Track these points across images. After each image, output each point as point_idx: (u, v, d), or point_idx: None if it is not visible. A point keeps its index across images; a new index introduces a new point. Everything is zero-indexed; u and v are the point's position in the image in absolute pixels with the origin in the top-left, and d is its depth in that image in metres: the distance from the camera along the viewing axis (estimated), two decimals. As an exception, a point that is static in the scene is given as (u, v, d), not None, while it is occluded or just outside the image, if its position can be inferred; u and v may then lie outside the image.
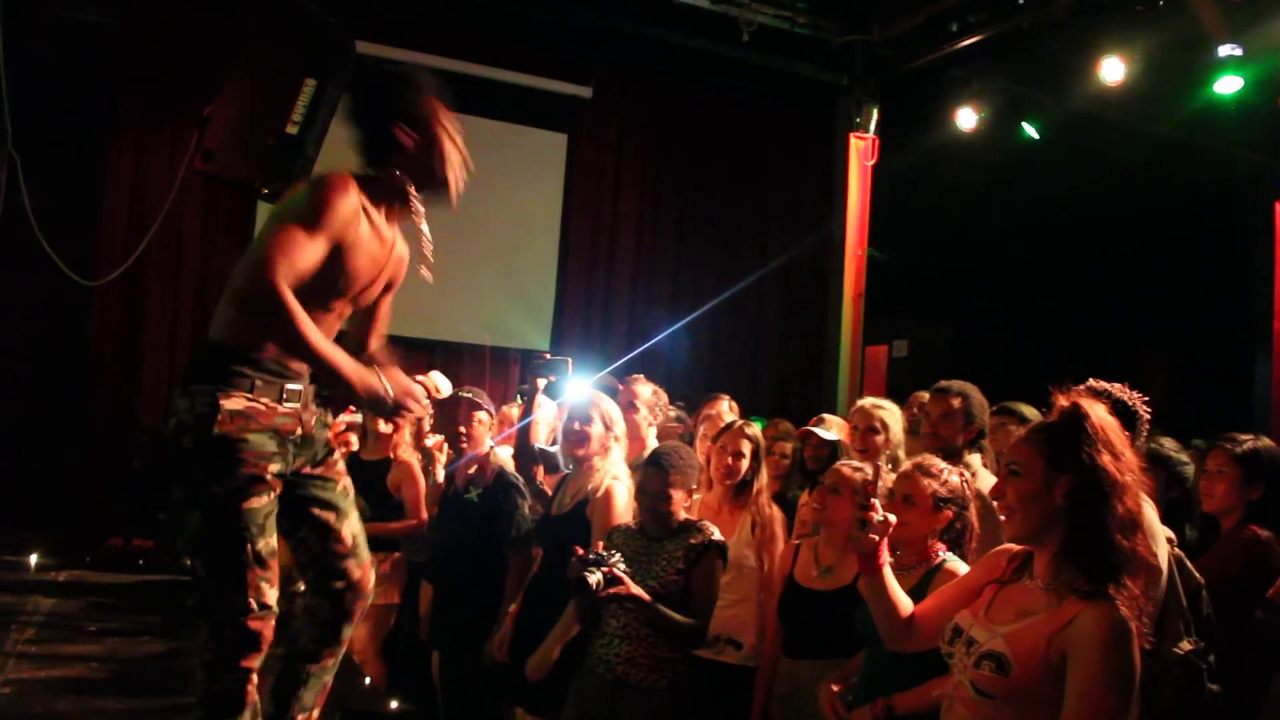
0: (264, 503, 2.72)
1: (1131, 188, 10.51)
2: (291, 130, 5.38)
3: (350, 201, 2.73)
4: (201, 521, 2.69)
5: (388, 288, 3.06)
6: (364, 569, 3.00)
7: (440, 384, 5.22)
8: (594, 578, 3.28)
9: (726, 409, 5.36)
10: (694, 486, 3.64)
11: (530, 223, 10.50)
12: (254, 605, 2.71)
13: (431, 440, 5.41)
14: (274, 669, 2.98)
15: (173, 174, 8.25)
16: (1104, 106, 8.92)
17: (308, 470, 2.91)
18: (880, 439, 4.28)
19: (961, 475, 3.19)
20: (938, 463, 3.24)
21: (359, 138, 2.90)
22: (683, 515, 3.60)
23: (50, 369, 8.97)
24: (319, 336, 2.64)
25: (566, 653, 3.62)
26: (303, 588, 3.20)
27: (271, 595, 2.77)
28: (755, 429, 4.33)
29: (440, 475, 4.79)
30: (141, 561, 8.56)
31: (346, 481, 3.03)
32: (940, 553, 3.08)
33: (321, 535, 2.94)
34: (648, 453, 4.62)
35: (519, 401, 4.79)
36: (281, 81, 5.42)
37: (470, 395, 4.41)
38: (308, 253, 2.63)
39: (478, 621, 4.06)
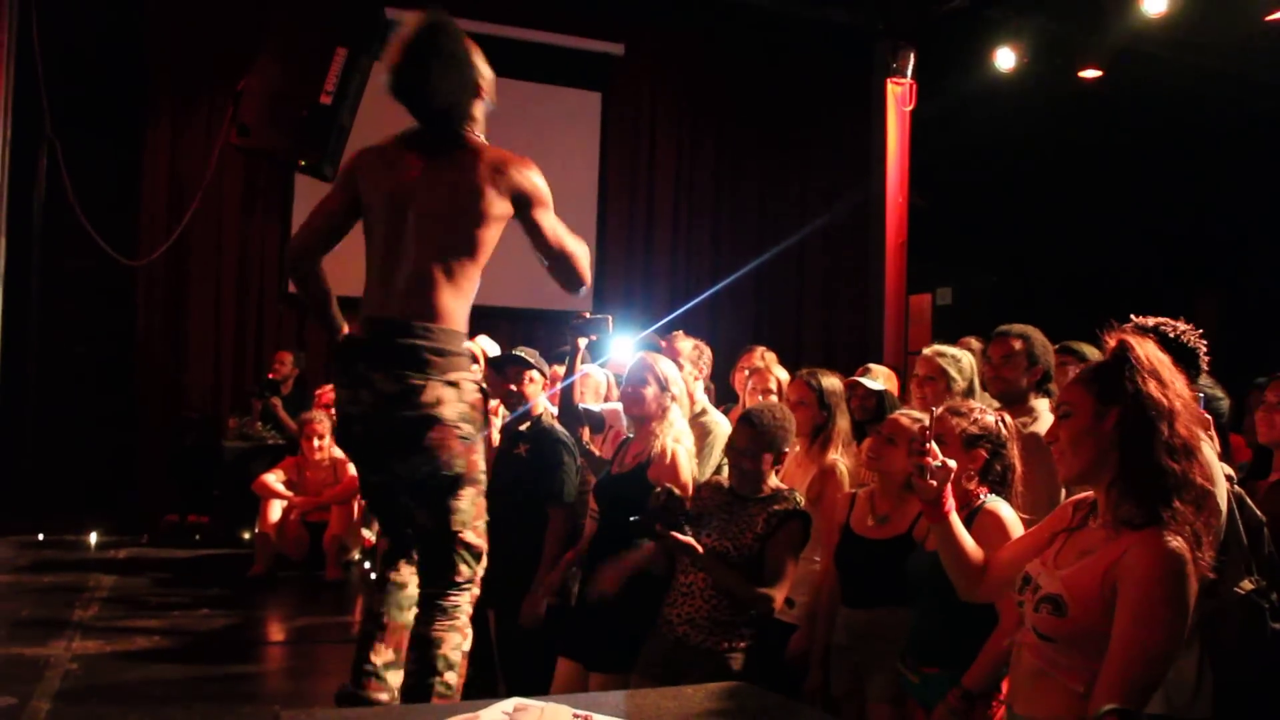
0: None
1: (1179, 122, 10.27)
2: (325, 100, 5.37)
3: None
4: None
5: None
6: None
7: (487, 347, 5.21)
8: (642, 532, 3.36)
9: (759, 358, 5.31)
10: (785, 450, 3.59)
11: (567, 182, 10.38)
12: None
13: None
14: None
15: (210, 151, 8.32)
16: (1147, 40, 8.70)
17: None
18: (940, 388, 4.16)
19: (999, 416, 3.13)
20: (970, 403, 3.20)
21: (457, 101, 3.09)
22: (774, 480, 3.56)
23: (100, 350, 9.11)
24: None
25: (639, 611, 3.63)
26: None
27: None
28: (824, 377, 4.28)
29: (496, 437, 4.80)
30: (198, 536, 8.71)
31: None
32: (982, 495, 3.04)
33: None
34: (697, 407, 4.61)
35: (563, 362, 4.77)
36: (313, 52, 5.40)
37: (521, 355, 4.39)
38: None
39: (532, 578, 4.08)
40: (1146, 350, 2.13)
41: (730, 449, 3.60)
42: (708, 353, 4.97)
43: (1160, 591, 1.98)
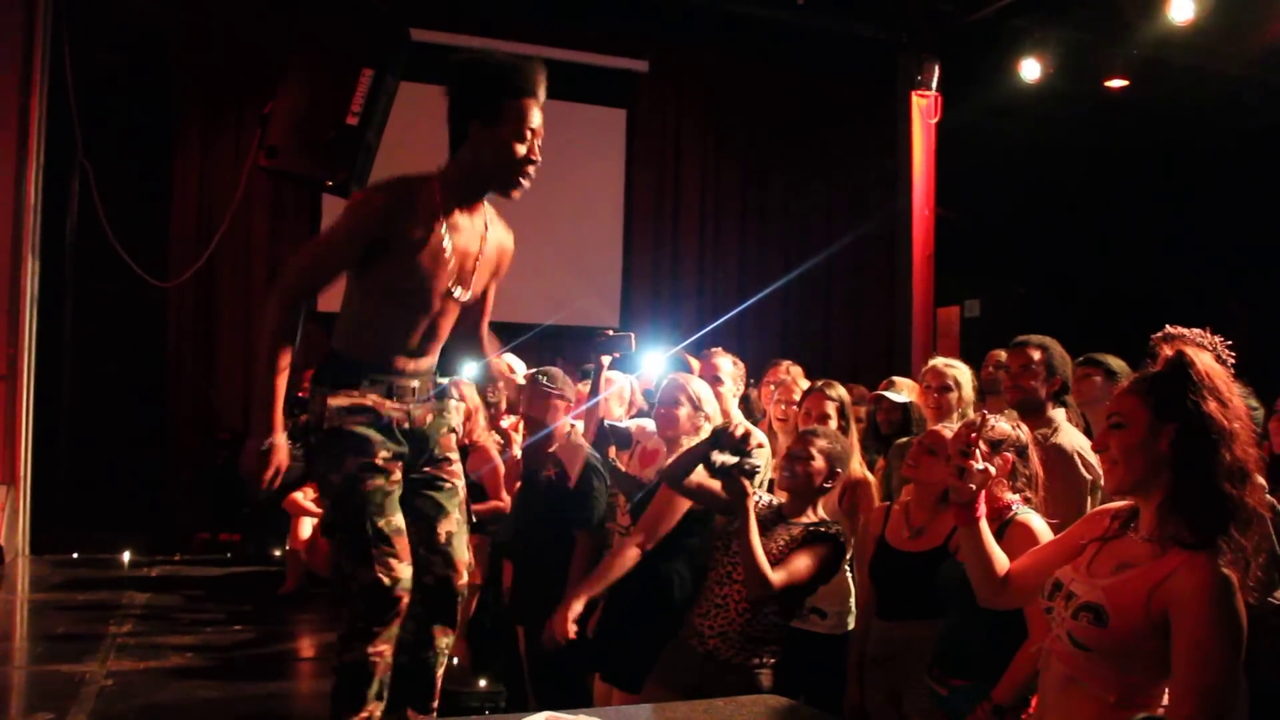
0: (380, 484, 2.90)
1: (1206, 130, 10.20)
2: (352, 121, 5.42)
3: (382, 207, 2.85)
4: (330, 506, 3.00)
5: (493, 275, 3.15)
6: (454, 567, 3.09)
7: (515, 365, 5.24)
8: (720, 457, 3.17)
9: (784, 372, 5.31)
10: (839, 470, 3.53)
11: (594, 199, 10.48)
12: (382, 579, 2.87)
13: (507, 421, 5.44)
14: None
15: (238, 173, 8.40)
16: (1174, 47, 8.66)
17: (427, 469, 3.09)
18: (954, 397, 4.25)
19: (1015, 424, 3.13)
20: (985, 413, 3.19)
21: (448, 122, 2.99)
22: (821, 511, 3.53)
23: (132, 370, 9.20)
24: (274, 367, 2.83)
25: (658, 625, 3.62)
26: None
27: (401, 570, 2.91)
28: (839, 389, 4.29)
29: (518, 452, 4.83)
30: (229, 554, 8.77)
31: (459, 485, 3.17)
32: (1014, 506, 3.02)
33: (420, 528, 3.06)
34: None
35: (588, 379, 4.78)
36: (339, 73, 5.47)
37: (544, 378, 4.39)
38: (324, 266, 2.91)
39: (560, 597, 4.07)
40: (1206, 364, 2.07)
41: (788, 456, 3.55)
42: (742, 368, 4.98)
43: (1216, 616, 1.96)
